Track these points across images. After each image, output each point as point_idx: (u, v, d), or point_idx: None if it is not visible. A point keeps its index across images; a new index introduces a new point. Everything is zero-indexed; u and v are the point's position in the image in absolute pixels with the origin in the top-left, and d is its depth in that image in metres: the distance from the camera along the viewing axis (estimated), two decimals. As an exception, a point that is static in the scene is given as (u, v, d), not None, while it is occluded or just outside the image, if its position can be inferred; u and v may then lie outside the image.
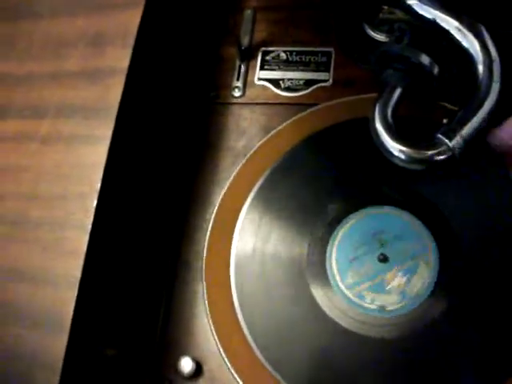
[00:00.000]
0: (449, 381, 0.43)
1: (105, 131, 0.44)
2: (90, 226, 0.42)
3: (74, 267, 0.41)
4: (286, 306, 0.47)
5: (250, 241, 0.50)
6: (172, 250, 0.51)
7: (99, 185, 0.43)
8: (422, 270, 0.46)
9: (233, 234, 0.50)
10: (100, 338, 0.46)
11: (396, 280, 0.46)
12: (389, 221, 0.48)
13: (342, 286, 0.47)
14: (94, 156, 0.44)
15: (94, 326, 0.44)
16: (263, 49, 0.57)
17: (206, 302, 0.48)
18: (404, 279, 0.46)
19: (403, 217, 0.48)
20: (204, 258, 0.50)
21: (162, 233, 0.51)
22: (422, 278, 0.46)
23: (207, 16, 0.58)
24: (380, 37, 0.52)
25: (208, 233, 0.50)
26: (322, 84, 0.55)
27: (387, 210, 0.49)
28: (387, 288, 0.46)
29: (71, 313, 0.41)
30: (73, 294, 0.41)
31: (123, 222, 0.47)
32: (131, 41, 0.46)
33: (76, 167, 0.44)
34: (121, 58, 0.45)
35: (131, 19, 0.46)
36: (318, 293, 0.47)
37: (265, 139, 0.53)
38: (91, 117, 0.45)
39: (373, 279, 0.47)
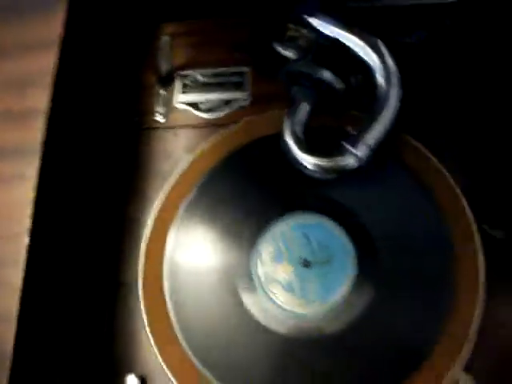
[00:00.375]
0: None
1: (31, 170, 0.46)
2: (23, 263, 0.44)
3: (10, 303, 0.43)
4: (221, 315, 0.50)
5: (181, 256, 0.52)
6: (108, 272, 0.53)
7: (30, 222, 0.45)
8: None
9: (164, 251, 0.52)
10: (45, 369, 0.47)
11: (283, 275, 0.49)
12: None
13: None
14: (23, 195, 0.46)
15: (37, 357, 0.46)
16: (181, 73, 0.59)
17: (145, 318, 0.50)
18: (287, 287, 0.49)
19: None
20: (139, 275, 0.51)
21: (97, 258, 0.53)
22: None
23: (126, 45, 0.60)
24: (289, 54, 0.54)
25: (141, 252, 0.52)
26: (241, 103, 0.58)
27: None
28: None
29: (11, 348, 0.42)
30: (11, 328, 0.43)
31: (57, 254, 0.49)
32: (50, 80, 0.48)
33: (6, 207, 0.46)
34: (41, 98, 0.47)
35: (48, 59, 0.48)
36: (247, 299, 0.50)
37: (188, 160, 0.55)
38: (17, 157, 0.47)
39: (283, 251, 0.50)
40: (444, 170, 0.51)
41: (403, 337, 0.47)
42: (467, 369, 0.46)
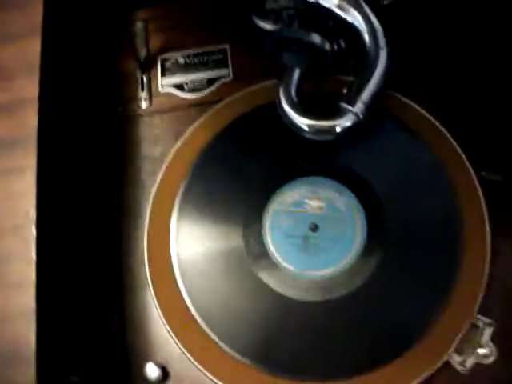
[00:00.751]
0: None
1: (29, 160, 0.44)
2: (33, 256, 0.43)
3: (26, 299, 0.42)
4: (236, 292, 0.49)
5: (187, 241, 0.51)
6: (113, 262, 0.52)
7: (34, 213, 0.44)
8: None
9: (169, 237, 0.51)
10: (63, 365, 0.46)
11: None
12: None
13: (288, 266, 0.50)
14: (24, 186, 0.44)
15: (56, 353, 0.44)
16: (161, 57, 0.59)
17: (157, 306, 0.49)
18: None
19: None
20: (146, 265, 0.51)
21: (101, 247, 0.52)
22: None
23: (103, 35, 0.59)
24: (269, 26, 0.55)
25: (145, 240, 0.51)
26: (224, 80, 0.58)
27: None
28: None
29: (34, 344, 0.41)
30: (31, 325, 0.41)
31: (60, 246, 0.48)
32: (36, 69, 0.46)
33: (8, 200, 0.44)
34: (29, 87, 0.46)
35: (32, 48, 0.47)
36: (263, 274, 0.49)
37: (179, 143, 0.54)
38: (13, 149, 0.45)
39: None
40: (438, 124, 0.52)
41: (415, 295, 0.48)
42: (482, 312, 0.47)
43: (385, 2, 0.54)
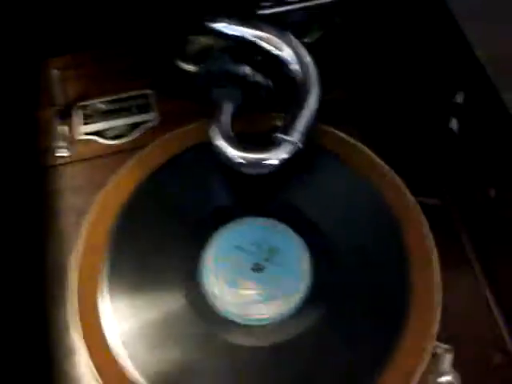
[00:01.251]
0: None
1: None
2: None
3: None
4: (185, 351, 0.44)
5: (119, 300, 0.45)
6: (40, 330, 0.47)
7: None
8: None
9: (98, 295, 0.45)
10: None
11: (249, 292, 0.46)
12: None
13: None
14: None
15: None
16: (80, 104, 0.56)
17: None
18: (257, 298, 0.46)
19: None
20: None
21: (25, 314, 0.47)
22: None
23: (17, 85, 0.56)
24: (193, 67, 0.53)
25: (73, 298, 0.45)
26: (149, 124, 0.55)
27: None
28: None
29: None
30: None
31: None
32: None
33: None
34: None
35: None
36: (212, 328, 0.45)
37: (103, 192, 0.50)
38: None
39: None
40: (372, 154, 0.51)
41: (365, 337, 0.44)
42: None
43: (309, 41, 0.54)
